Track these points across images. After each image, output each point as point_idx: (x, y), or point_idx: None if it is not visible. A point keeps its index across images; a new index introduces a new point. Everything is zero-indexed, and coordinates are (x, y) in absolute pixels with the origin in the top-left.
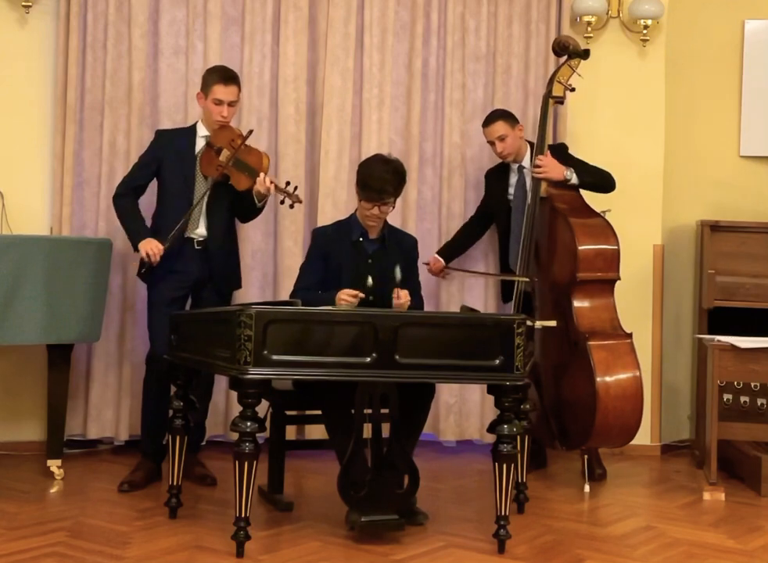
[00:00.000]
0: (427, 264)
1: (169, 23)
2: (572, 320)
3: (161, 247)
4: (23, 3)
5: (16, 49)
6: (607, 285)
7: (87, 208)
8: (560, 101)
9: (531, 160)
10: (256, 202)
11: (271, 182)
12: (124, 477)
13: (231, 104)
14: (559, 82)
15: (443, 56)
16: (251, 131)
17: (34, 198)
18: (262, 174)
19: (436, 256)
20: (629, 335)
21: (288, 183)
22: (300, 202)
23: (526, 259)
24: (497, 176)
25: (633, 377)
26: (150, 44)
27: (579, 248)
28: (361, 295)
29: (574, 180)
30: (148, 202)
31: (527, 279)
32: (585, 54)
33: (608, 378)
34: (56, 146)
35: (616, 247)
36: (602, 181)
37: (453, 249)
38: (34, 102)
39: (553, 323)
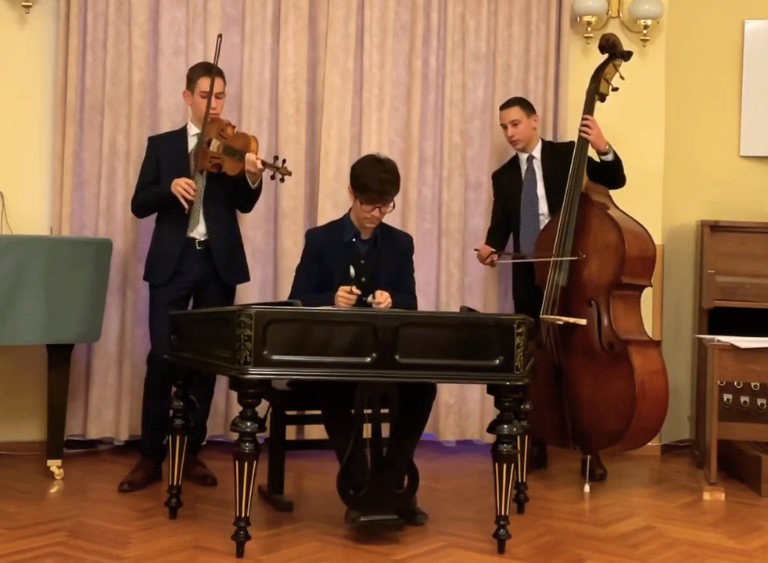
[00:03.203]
0: (477, 250)
1: (169, 23)
2: (608, 321)
3: (191, 182)
4: (23, 3)
5: (16, 49)
6: (639, 291)
7: (87, 208)
8: (603, 98)
9: (542, 154)
10: (251, 183)
11: (258, 158)
12: (124, 477)
13: (218, 96)
14: (605, 80)
15: (443, 56)
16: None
17: (34, 198)
18: (249, 153)
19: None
20: (659, 343)
21: (276, 157)
22: (290, 174)
23: (563, 244)
24: (508, 175)
25: (664, 383)
26: (150, 44)
27: (628, 250)
28: (357, 290)
29: (611, 156)
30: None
31: (576, 257)
32: (628, 55)
33: (645, 384)
34: (56, 146)
35: (654, 254)
36: (622, 172)
37: (496, 242)
38: (34, 102)
39: (583, 321)
